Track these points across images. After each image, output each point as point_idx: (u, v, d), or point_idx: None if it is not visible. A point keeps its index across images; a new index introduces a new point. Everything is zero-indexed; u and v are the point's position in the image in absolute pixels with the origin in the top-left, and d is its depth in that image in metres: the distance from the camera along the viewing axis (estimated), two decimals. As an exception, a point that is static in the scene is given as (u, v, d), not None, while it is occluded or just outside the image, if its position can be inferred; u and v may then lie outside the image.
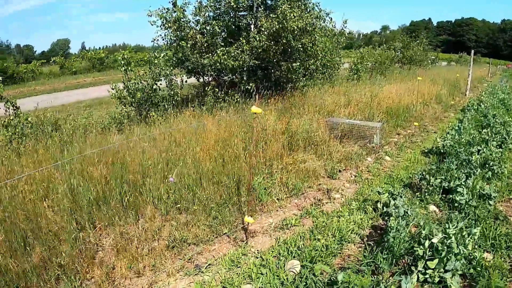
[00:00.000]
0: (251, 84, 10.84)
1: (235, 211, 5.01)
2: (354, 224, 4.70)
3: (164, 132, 6.81)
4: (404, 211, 4.49)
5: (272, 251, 4.18)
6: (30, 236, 4.09)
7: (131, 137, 6.68)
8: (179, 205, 4.91)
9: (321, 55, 12.51)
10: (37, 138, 7.25)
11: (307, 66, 12.02)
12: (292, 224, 4.80)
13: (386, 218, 4.71)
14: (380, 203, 5.04)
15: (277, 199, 5.47)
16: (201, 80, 12.76)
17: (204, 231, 4.53)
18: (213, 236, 4.52)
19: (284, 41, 10.31)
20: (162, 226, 4.61)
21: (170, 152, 5.98)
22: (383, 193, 5.19)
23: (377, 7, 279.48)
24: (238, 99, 9.88)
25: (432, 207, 5.12)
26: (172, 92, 10.16)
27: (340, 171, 6.71)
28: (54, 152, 6.01)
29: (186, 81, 11.17)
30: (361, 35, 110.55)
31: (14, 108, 8.18)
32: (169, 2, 10.92)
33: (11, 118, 7.93)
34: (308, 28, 10.43)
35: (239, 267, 3.94)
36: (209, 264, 4.01)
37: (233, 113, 8.59)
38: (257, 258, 4.08)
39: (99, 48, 78.59)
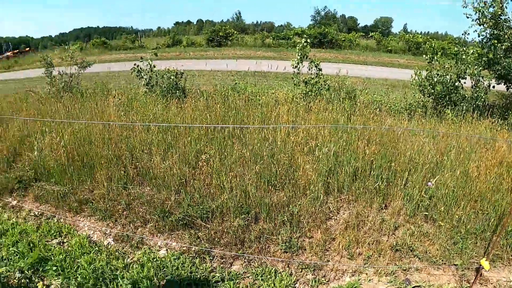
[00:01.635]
0: None
1: (481, 246, 4.29)
2: None
3: (447, 133, 6.24)
4: None
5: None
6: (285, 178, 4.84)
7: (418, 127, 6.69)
8: (427, 213, 4.55)
9: None
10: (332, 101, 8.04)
11: None
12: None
13: None
14: None
15: None
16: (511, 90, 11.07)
17: (437, 251, 4.11)
18: (442, 260, 4.05)
19: None
20: (401, 225, 4.42)
21: (446, 156, 5.53)
22: None
23: None
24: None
25: None
26: (475, 94, 9.21)
27: None
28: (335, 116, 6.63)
29: (493, 86, 9.85)
30: None
31: (318, 69, 9.11)
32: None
33: (312, 77, 9.01)
34: None
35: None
36: (418, 287, 3.71)
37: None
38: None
39: (421, 32, 77.49)
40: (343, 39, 39.62)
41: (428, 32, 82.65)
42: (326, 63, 22.01)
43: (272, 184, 4.79)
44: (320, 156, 5.05)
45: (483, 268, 3.72)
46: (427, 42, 9.66)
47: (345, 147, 5.32)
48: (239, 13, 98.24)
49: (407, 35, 41.00)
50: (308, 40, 9.20)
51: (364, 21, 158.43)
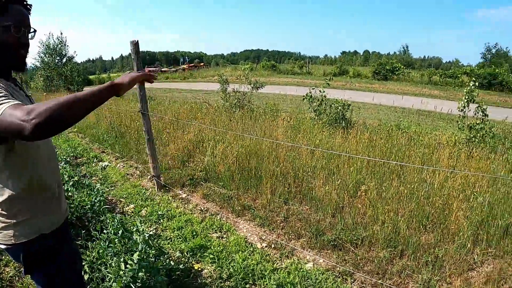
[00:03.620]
0: None
1: None
2: None
3: None
4: None
5: None
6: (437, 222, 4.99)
7: None
8: None
9: None
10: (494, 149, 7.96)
11: None
12: None
13: None
14: None
15: None
16: None
17: None
18: None
19: None
20: None
21: None
22: None
23: None
24: None
25: None
26: None
27: None
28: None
29: None
30: None
31: (484, 114, 8.83)
32: None
33: (477, 122, 8.79)
34: None
35: None
36: None
37: None
38: None
39: None
40: (513, 81, 36.54)
41: None
42: (494, 108, 20.75)
43: (423, 224, 4.98)
44: (475, 205, 5.08)
45: None
46: None
47: (501, 199, 5.24)
48: (407, 46, 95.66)
49: None
50: (476, 83, 9.00)
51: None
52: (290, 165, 6.47)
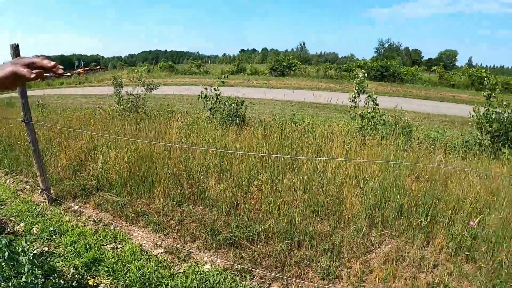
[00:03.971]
0: None
1: None
2: None
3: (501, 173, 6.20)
4: None
5: None
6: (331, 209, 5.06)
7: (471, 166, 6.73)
8: (468, 253, 4.55)
9: None
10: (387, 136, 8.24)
11: None
12: None
13: None
14: None
15: None
16: None
17: None
18: None
19: None
20: (441, 263, 4.44)
21: (496, 196, 5.50)
22: None
23: None
24: None
25: None
26: None
27: None
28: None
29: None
30: None
31: (374, 103, 9.29)
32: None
33: (369, 111, 9.19)
34: None
35: None
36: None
37: None
38: None
39: (486, 66, 75.08)
40: (405, 72, 39.51)
41: (494, 66, 79.83)
42: (387, 97, 22.16)
43: (318, 214, 5.03)
44: (367, 190, 5.23)
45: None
46: (486, 78, 9.64)
47: (393, 182, 5.46)
48: (304, 43, 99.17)
49: (471, 70, 40.05)
50: (366, 74, 9.38)
51: (428, 54, 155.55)
52: (183, 166, 6.28)
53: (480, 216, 4.84)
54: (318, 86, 31.68)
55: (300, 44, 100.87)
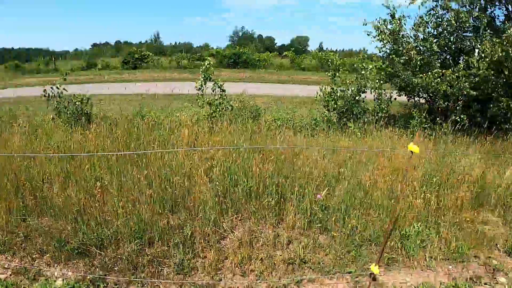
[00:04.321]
0: (462, 116, 9.46)
1: (376, 252, 4.44)
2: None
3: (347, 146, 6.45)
4: None
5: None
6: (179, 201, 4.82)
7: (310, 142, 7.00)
8: (320, 225, 4.71)
9: None
10: (236, 121, 8.17)
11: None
12: (427, 295, 4.06)
13: None
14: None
15: (430, 257, 4.62)
16: (412, 100, 11.81)
17: (330, 261, 4.25)
18: (337, 269, 4.19)
19: (506, 72, 8.72)
20: (295, 238, 4.52)
21: (343, 168, 5.79)
22: None
23: None
24: (446, 131, 8.77)
25: None
26: (378, 106, 9.97)
27: (525, 249, 5.26)
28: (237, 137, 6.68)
29: (395, 98, 10.49)
30: None
31: (221, 90, 9.26)
32: (388, 14, 10.70)
33: (216, 98, 9.13)
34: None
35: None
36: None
37: (433, 144, 7.88)
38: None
39: (336, 49, 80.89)
40: (257, 59, 41.08)
41: (343, 49, 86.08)
42: (241, 83, 22.55)
43: (166, 207, 4.76)
44: (213, 177, 5.11)
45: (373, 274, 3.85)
46: (329, 60, 10.35)
47: (242, 167, 5.37)
48: (158, 34, 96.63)
49: (320, 53, 42.73)
50: (211, 62, 9.31)
51: (281, 40, 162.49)
52: (25, 176, 5.54)
53: (327, 188, 4.98)
54: (172, 77, 31.31)
55: (155, 35, 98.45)
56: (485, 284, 4.38)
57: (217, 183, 4.97)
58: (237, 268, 4.00)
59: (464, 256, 4.76)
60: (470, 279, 4.42)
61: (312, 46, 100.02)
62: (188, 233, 4.28)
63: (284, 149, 6.01)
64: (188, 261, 4.01)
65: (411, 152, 3.44)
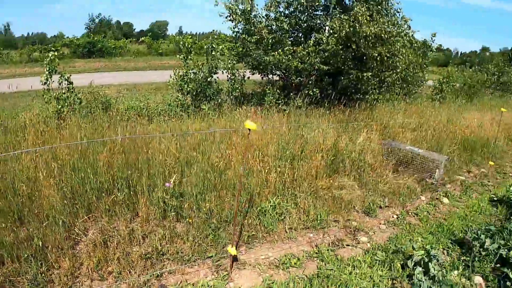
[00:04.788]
0: (315, 90, 9.99)
1: (234, 233, 4.45)
2: (370, 281, 3.99)
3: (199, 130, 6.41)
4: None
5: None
6: (25, 210, 4.24)
7: (163, 129, 6.82)
8: (174, 213, 4.64)
9: (400, 67, 11.15)
10: (87, 115, 7.66)
11: (383, 78, 10.77)
12: (291, 265, 4.27)
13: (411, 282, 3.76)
14: (412, 261, 4.04)
15: (290, 228, 4.87)
16: (265, 78, 12.12)
17: (189, 249, 4.24)
18: (196, 256, 4.20)
19: (354, 46, 9.45)
20: (151, 231, 4.40)
21: (196, 152, 5.78)
22: (418, 250, 4.16)
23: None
24: (300, 104, 9.25)
25: (478, 279, 4.09)
26: (232, 86, 10.22)
27: (381, 207, 5.88)
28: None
29: (248, 77, 10.68)
30: (459, 53, 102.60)
31: (68, 82, 8.60)
32: (239, -7, 10.84)
33: (63, 92, 8.45)
34: (383, 35, 9.23)
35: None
36: (175, 289, 3.76)
37: (287, 118, 8.15)
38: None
39: (196, 33, 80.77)
40: (113, 46, 39.39)
41: (203, 32, 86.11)
42: (97, 73, 21.38)
43: (12, 219, 4.19)
44: (58, 178, 4.73)
45: (231, 255, 3.92)
46: (181, 42, 10.28)
47: (89, 162, 5.03)
48: (8, 25, 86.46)
49: (178, 38, 42.32)
50: (56, 54, 8.59)
51: (140, 26, 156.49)
52: None
53: (175, 175, 4.87)
54: (23, 72, 28.26)
55: (4, 26, 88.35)
56: (348, 245, 4.70)
57: (64, 183, 4.61)
58: (94, 272, 3.77)
59: (324, 223, 5.06)
60: (333, 243, 4.72)
61: (172, 31, 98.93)
62: (38, 244, 3.87)
63: (134, 139, 5.74)
64: (43, 275, 3.65)
65: (249, 129, 3.49)
